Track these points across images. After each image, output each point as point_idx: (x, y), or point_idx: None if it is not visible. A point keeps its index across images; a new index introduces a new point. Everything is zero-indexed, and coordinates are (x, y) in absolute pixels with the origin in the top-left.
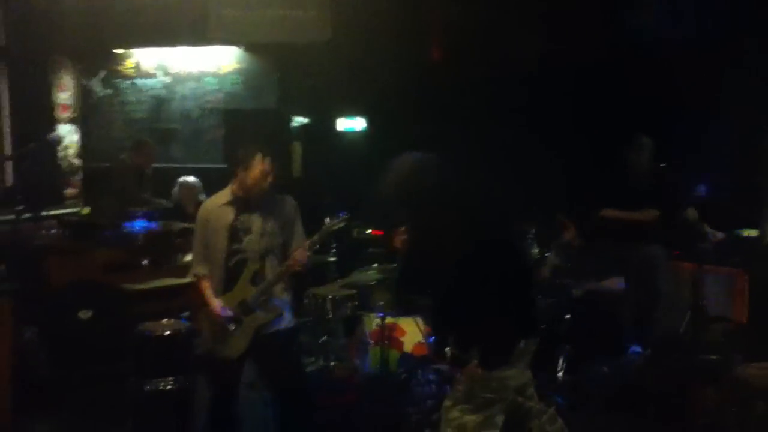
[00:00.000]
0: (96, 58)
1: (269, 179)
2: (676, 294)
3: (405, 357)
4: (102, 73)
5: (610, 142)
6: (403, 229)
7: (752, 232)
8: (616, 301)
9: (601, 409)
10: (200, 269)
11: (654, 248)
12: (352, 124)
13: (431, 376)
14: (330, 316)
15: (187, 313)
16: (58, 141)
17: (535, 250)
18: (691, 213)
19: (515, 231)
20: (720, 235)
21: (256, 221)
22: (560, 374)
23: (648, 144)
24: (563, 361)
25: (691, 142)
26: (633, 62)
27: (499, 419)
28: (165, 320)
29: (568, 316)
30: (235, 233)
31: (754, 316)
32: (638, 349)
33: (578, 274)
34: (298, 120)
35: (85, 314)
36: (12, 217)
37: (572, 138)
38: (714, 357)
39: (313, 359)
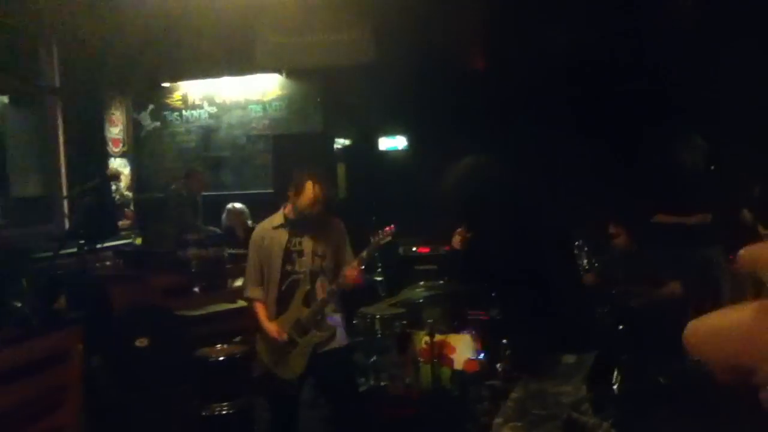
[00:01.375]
0: (145, 92)
1: (320, 203)
2: (734, 298)
3: (456, 374)
4: (150, 107)
5: (663, 143)
6: (461, 229)
7: None
8: (674, 308)
9: (660, 421)
10: (254, 293)
11: (711, 251)
12: (393, 143)
13: (484, 393)
14: (379, 335)
15: (239, 338)
16: (118, 176)
17: (584, 261)
18: (747, 214)
19: (568, 237)
20: None
21: (307, 243)
22: (615, 387)
23: (701, 145)
24: (618, 374)
25: (745, 142)
26: (683, 61)
27: None
28: (219, 345)
29: (621, 327)
30: (288, 255)
31: None
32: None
33: (632, 282)
34: (341, 141)
35: (141, 342)
36: (74, 250)
37: (623, 142)
38: None
39: (364, 379)
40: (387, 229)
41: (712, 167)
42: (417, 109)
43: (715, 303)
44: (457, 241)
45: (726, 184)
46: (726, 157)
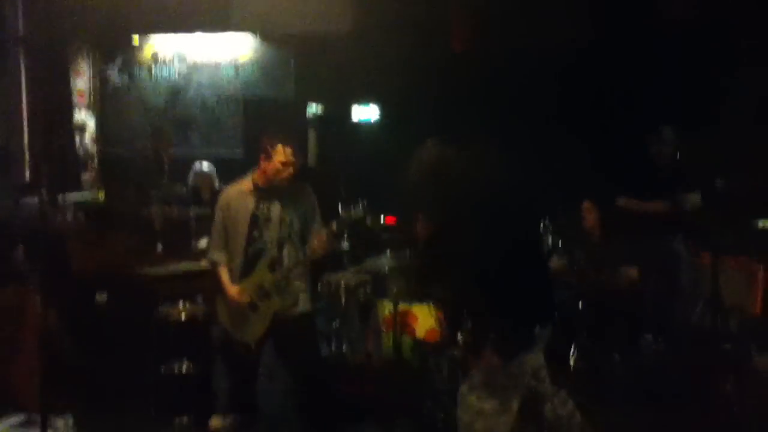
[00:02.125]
0: (113, 44)
1: (290, 169)
2: (693, 284)
3: (418, 343)
4: (119, 61)
5: (634, 130)
6: (423, 216)
7: None
8: (631, 291)
9: (614, 397)
10: (218, 256)
11: (675, 242)
12: (367, 113)
13: (444, 362)
14: (343, 302)
15: (200, 297)
16: (82, 127)
17: (550, 240)
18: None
19: (534, 218)
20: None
21: (276, 210)
22: (572, 362)
23: (670, 135)
24: (575, 349)
25: (708, 131)
26: (655, 48)
27: (516, 404)
28: (181, 305)
29: (581, 304)
30: (255, 221)
31: None
32: (651, 339)
33: (594, 263)
34: (313, 109)
35: (101, 297)
36: (34, 200)
37: (594, 127)
38: (730, 347)
39: (326, 345)
40: (359, 203)
41: (678, 157)
42: (392, 80)
43: (673, 293)
44: (419, 229)
45: (689, 172)
46: (691, 145)
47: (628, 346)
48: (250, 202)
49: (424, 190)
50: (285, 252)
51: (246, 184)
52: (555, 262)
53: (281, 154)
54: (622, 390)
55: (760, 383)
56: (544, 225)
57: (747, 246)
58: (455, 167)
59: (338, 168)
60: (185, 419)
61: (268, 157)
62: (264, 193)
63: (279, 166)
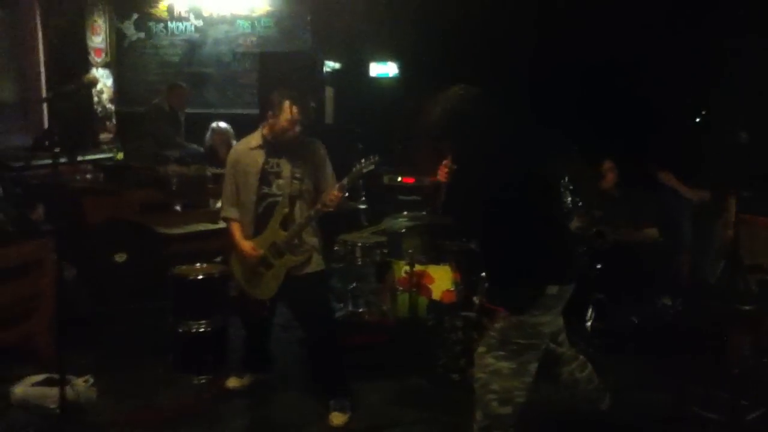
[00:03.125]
0: (128, 0)
1: (298, 126)
2: (711, 243)
3: (433, 304)
4: (135, 16)
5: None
6: (446, 161)
7: None
8: (649, 251)
9: (631, 357)
10: (230, 212)
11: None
12: (384, 69)
13: (459, 323)
14: (360, 262)
15: (220, 257)
16: (95, 83)
17: (569, 199)
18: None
19: (556, 173)
20: None
21: (285, 165)
22: (589, 323)
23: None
24: (593, 310)
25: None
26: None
27: (533, 366)
28: (198, 264)
29: (599, 266)
30: (265, 177)
31: None
32: (668, 299)
33: (613, 224)
34: (330, 65)
35: (120, 257)
36: (50, 161)
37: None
38: (748, 307)
39: (342, 305)
40: (371, 157)
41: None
42: (409, 37)
43: (693, 253)
44: (443, 173)
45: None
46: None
47: (646, 308)
48: (260, 157)
49: (446, 133)
50: (297, 209)
51: (255, 139)
52: (574, 222)
53: (287, 112)
54: (639, 351)
55: None
56: (563, 184)
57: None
58: (481, 113)
59: (355, 124)
60: (203, 378)
61: (275, 114)
62: (273, 148)
63: (286, 123)
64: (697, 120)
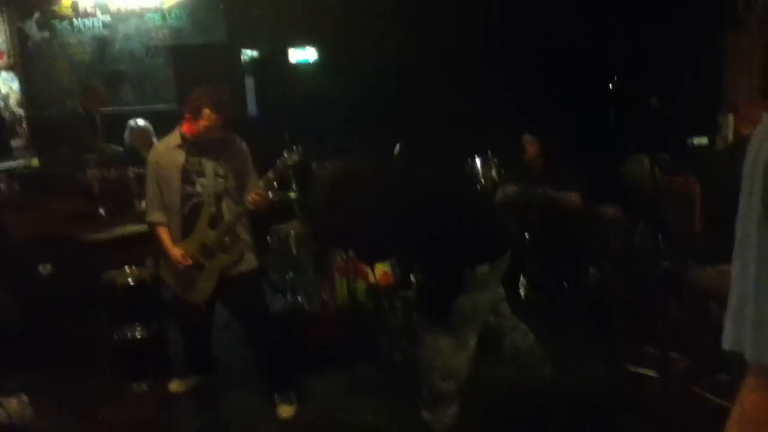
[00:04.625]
0: None
1: (217, 125)
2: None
3: (371, 287)
4: (36, 14)
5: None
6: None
7: (703, 140)
8: (575, 218)
9: (566, 322)
10: (156, 216)
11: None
12: (305, 55)
13: (398, 304)
14: (295, 252)
15: (150, 259)
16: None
17: (493, 173)
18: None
19: (460, 170)
20: None
21: (207, 163)
22: (522, 291)
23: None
24: (524, 280)
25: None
26: None
27: (473, 340)
28: (128, 269)
29: (527, 235)
30: (187, 176)
31: (707, 223)
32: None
33: (537, 193)
34: (248, 54)
35: (44, 269)
36: None
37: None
38: (669, 263)
39: (281, 296)
40: (294, 149)
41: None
42: (328, 19)
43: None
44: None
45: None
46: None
47: (575, 273)
48: (180, 156)
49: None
50: (224, 207)
51: (174, 138)
52: (500, 195)
53: (206, 119)
54: (573, 317)
55: (699, 298)
56: (488, 159)
57: (683, 165)
58: (358, 183)
59: (278, 114)
60: (143, 385)
61: (195, 119)
62: (194, 146)
63: (204, 123)
64: (611, 86)
